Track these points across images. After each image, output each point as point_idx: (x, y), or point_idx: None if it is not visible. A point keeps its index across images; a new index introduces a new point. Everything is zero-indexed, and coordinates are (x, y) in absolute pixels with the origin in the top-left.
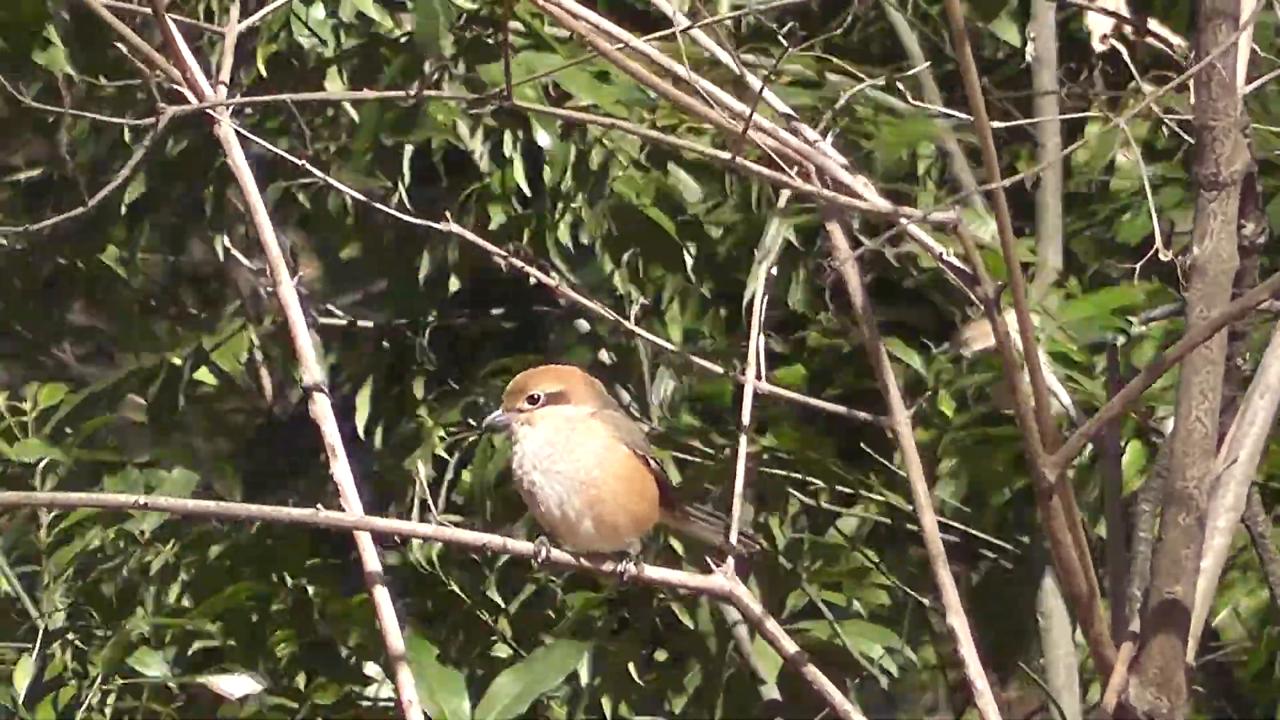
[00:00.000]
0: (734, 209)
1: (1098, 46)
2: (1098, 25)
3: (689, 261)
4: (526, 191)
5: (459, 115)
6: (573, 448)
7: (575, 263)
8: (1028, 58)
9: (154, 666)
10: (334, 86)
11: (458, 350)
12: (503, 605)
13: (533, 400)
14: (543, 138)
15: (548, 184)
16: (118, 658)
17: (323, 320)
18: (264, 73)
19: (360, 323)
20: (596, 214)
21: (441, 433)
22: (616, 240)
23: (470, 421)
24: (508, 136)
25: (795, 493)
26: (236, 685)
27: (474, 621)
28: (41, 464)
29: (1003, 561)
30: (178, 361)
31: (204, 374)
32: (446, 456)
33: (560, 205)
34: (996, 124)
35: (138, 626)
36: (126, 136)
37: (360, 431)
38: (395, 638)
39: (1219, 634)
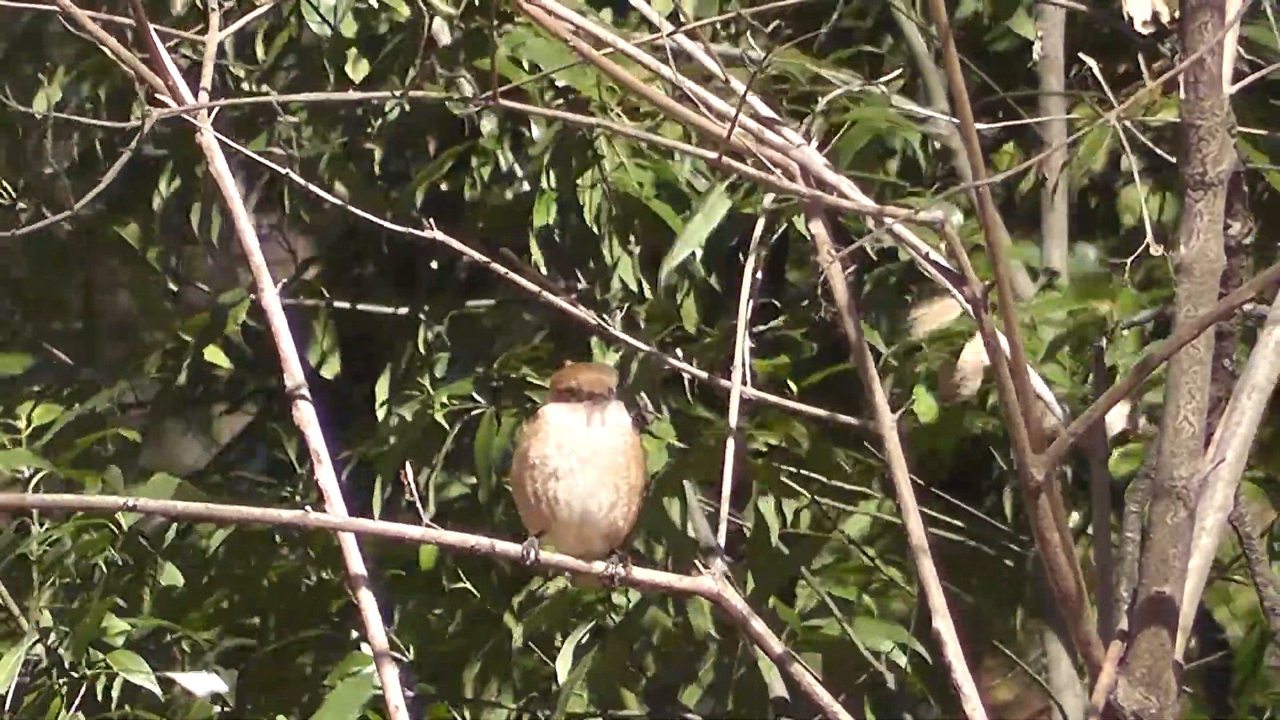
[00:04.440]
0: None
1: (1141, 30)
2: (1138, 10)
3: (698, 254)
4: (517, 170)
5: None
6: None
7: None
8: (1035, 57)
9: (134, 668)
10: (355, 73)
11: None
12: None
13: (609, 393)
14: (534, 130)
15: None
16: (84, 644)
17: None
18: (270, 57)
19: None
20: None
21: (445, 399)
22: (621, 231)
23: (475, 396)
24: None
25: (793, 484)
26: (201, 683)
27: (485, 615)
28: (34, 477)
29: (1006, 560)
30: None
31: (216, 355)
32: (446, 426)
33: (547, 189)
34: (983, 125)
35: (114, 626)
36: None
37: (380, 418)
38: (380, 639)
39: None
